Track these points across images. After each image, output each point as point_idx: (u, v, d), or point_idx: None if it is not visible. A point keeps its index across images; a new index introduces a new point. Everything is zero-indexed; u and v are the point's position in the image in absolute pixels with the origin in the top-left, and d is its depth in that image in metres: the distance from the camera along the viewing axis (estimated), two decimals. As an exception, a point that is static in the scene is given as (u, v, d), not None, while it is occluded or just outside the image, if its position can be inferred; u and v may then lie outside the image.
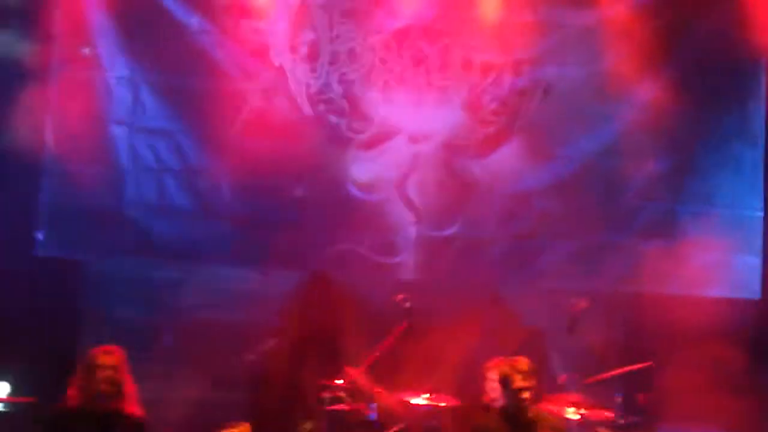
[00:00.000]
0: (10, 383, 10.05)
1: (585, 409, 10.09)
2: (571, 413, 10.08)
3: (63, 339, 11.13)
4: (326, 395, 10.35)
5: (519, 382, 8.48)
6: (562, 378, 10.70)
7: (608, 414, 10.12)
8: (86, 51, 11.39)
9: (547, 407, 9.97)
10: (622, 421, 10.04)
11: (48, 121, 11.29)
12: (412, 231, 11.85)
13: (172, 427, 10.94)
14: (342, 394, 10.34)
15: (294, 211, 11.68)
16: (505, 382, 8.47)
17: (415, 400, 10.36)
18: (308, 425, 11.06)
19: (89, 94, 11.42)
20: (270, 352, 10.93)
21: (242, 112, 11.66)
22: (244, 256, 11.67)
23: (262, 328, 11.31)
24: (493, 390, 8.76)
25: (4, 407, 9.31)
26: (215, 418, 11.00)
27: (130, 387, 8.78)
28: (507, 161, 11.88)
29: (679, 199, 11.78)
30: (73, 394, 8.78)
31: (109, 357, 8.72)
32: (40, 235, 11.29)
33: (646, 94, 11.69)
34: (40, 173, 11.34)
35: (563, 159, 11.84)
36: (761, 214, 11.78)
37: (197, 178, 11.68)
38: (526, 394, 8.45)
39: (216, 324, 11.46)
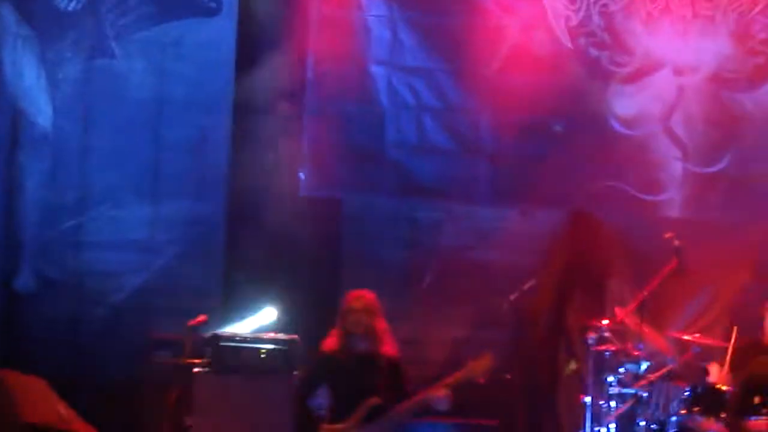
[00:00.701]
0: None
1: None
2: None
3: (325, 279, 11.27)
4: (592, 335, 10.19)
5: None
6: None
7: None
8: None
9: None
10: None
11: (309, 61, 11.37)
12: (679, 167, 11.46)
13: (433, 365, 10.98)
14: (608, 334, 10.16)
15: (554, 147, 11.44)
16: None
17: (686, 340, 10.11)
18: (573, 365, 10.93)
19: (348, 34, 11.43)
20: (533, 291, 10.76)
21: (501, 48, 11.47)
22: (504, 195, 11.53)
23: (525, 268, 11.13)
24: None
25: (270, 344, 9.47)
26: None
27: (382, 328, 8.87)
28: (778, 93, 11.34)
29: None
30: (332, 338, 8.95)
31: (359, 301, 8.94)
32: (302, 175, 11.41)
33: None
34: (302, 113, 11.43)
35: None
36: None
37: (456, 117, 11.56)
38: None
39: (477, 264, 11.39)
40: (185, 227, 11.14)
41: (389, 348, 8.99)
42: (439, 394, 8.79)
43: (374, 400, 8.78)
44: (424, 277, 11.51)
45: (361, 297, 9.00)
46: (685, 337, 10.17)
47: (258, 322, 9.99)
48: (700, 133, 11.44)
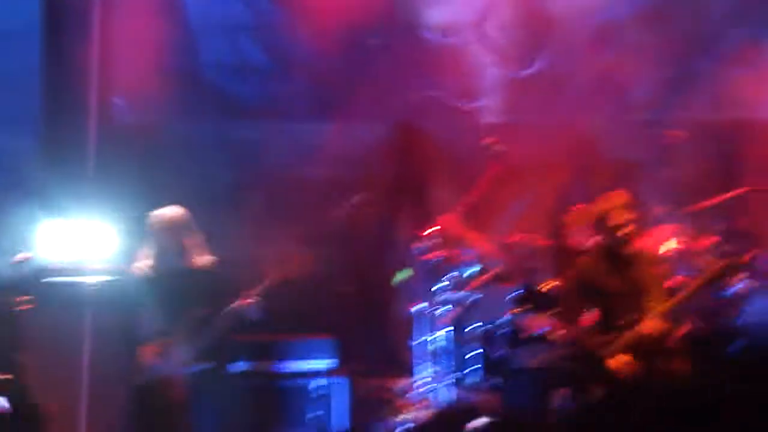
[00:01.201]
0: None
1: (685, 239, 9.97)
2: (671, 245, 9.95)
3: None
4: (420, 244, 10.31)
5: (618, 217, 8.26)
6: (659, 210, 10.54)
7: (708, 242, 9.96)
8: None
9: (645, 242, 9.87)
10: (723, 249, 9.87)
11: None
12: (495, 72, 11.60)
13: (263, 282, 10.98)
14: (435, 242, 10.28)
15: (371, 60, 11.45)
16: (603, 218, 8.26)
17: (510, 242, 10.30)
18: (403, 274, 11.04)
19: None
20: (359, 205, 10.82)
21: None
22: (325, 111, 11.52)
23: (349, 182, 11.18)
24: (591, 228, 8.59)
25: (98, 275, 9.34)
26: (312, 274, 11.12)
27: (191, 243, 8.91)
28: (590, -8, 11.52)
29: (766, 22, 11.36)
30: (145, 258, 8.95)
31: (165, 220, 8.95)
32: (118, 102, 11.18)
33: None
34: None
35: (648, -13, 11.48)
36: None
37: (272, 35, 11.48)
38: (626, 229, 8.24)
39: (303, 180, 11.39)
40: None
41: (201, 262, 8.93)
42: (247, 302, 8.81)
43: (192, 313, 8.75)
44: (251, 197, 11.46)
45: (165, 216, 8.94)
46: (511, 239, 10.35)
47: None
48: (513, 37, 11.57)
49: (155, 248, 8.99)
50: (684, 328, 9.09)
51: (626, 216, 8.31)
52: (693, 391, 6.65)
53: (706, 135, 11.13)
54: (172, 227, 8.97)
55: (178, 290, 8.83)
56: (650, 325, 8.04)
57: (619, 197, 8.36)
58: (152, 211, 9.03)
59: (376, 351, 11.02)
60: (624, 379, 8.01)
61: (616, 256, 8.27)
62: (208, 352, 8.83)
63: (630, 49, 11.40)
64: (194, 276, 8.92)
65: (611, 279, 8.12)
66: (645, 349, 8.02)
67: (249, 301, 8.87)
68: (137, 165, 11.04)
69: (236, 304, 8.87)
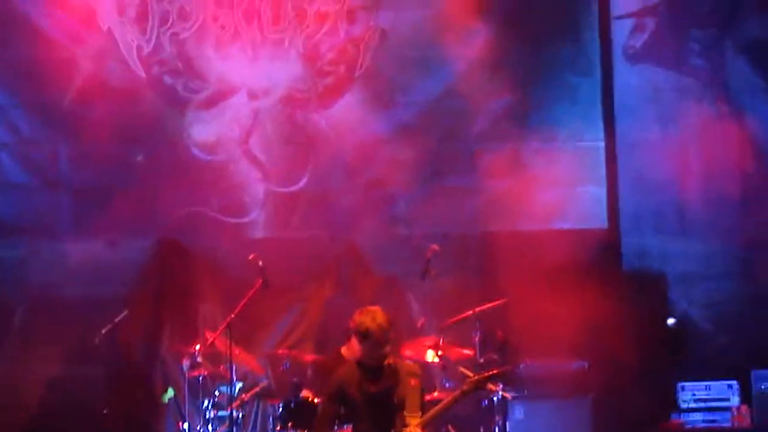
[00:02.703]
0: None
1: (444, 350, 10.19)
2: (431, 356, 10.15)
3: None
4: (186, 361, 10.23)
5: (379, 336, 8.35)
6: (420, 322, 10.76)
7: (468, 353, 10.21)
8: None
9: (406, 353, 10.05)
10: (481, 360, 10.12)
11: None
12: (260, 188, 11.71)
13: (31, 409, 10.75)
14: (201, 359, 10.23)
15: (136, 177, 11.45)
16: (365, 335, 8.35)
17: (275, 358, 10.32)
18: (170, 393, 10.92)
19: None
20: (125, 323, 10.68)
21: (75, 79, 11.36)
22: (89, 228, 11.42)
23: (115, 300, 11.04)
24: (354, 343, 8.68)
25: None
26: (74, 394, 10.90)
27: None
28: (350, 111, 11.78)
29: (521, 136, 11.81)
30: None
31: None
32: None
33: (481, 33, 11.69)
34: None
35: (405, 104, 11.80)
36: (602, 143, 11.92)
37: (33, 150, 11.38)
38: (386, 349, 8.34)
39: (66, 300, 11.23)
40: None
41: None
42: None
43: None
44: (13, 317, 11.21)
45: None
46: (277, 356, 10.37)
47: None
48: (279, 153, 11.73)
49: None
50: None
51: (386, 335, 8.41)
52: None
53: (464, 248, 11.46)
54: None
55: None
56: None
57: (376, 312, 8.44)
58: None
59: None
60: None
61: (373, 368, 8.35)
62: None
63: (391, 165, 11.69)
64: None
65: (367, 390, 8.19)
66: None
67: None
68: None
69: None
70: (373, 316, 8.08)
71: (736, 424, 10.76)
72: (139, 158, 11.49)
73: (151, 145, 11.53)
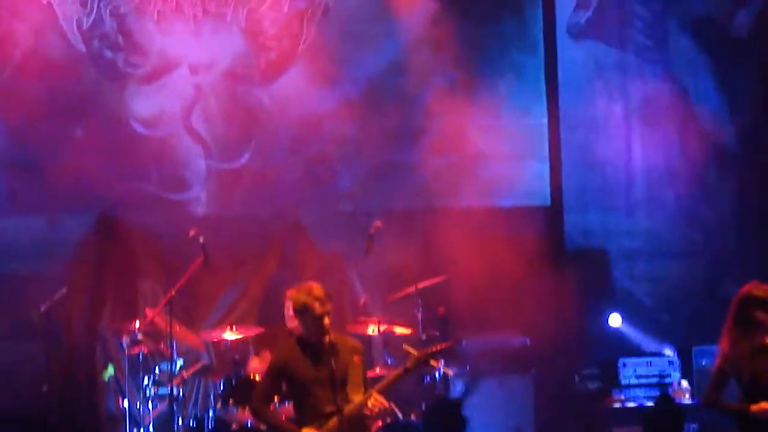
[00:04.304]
0: None
1: (387, 327, 10.15)
2: (374, 332, 10.12)
3: None
4: (125, 338, 10.13)
5: (317, 309, 8.28)
6: (363, 299, 10.73)
7: (410, 330, 10.19)
8: None
9: (348, 330, 10.01)
10: (424, 336, 10.10)
11: None
12: (202, 164, 11.60)
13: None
14: (141, 336, 10.13)
15: (75, 153, 11.27)
16: (302, 310, 8.28)
17: (217, 335, 10.24)
18: (110, 370, 10.83)
19: None
20: (65, 300, 10.57)
21: (14, 53, 11.19)
22: (27, 204, 11.26)
23: (54, 276, 10.91)
24: (292, 319, 8.59)
25: None
26: (13, 372, 10.79)
27: None
28: (293, 86, 11.69)
29: (465, 112, 11.76)
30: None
31: None
32: None
33: (425, 9, 11.64)
34: None
35: (349, 80, 11.72)
36: (545, 120, 11.92)
37: (-29, 127, 11.21)
38: (325, 320, 8.28)
39: (4, 277, 11.07)
40: None
41: None
42: None
43: None
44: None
45: None
46: (218, 332, 10.29)
47: None
48: (221, 129, 11.63)
49: None
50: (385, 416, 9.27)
51: (324, 308, 8.34)
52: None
53: (407, 224, 11.41)
54: None
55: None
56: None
57: (312, 286, 8.34)
58: None
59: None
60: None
61: (315, 344, 8.29)
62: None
63: (335, 141, 11.63)
64: None
65: (309, 367, 8.13)
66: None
67: None
68: None
69: None
70: (308, 290, 8.01)
71: (676, 399, 10.81)
72: (79, 133, 11.34)
73: (91, 121, 11.37)
